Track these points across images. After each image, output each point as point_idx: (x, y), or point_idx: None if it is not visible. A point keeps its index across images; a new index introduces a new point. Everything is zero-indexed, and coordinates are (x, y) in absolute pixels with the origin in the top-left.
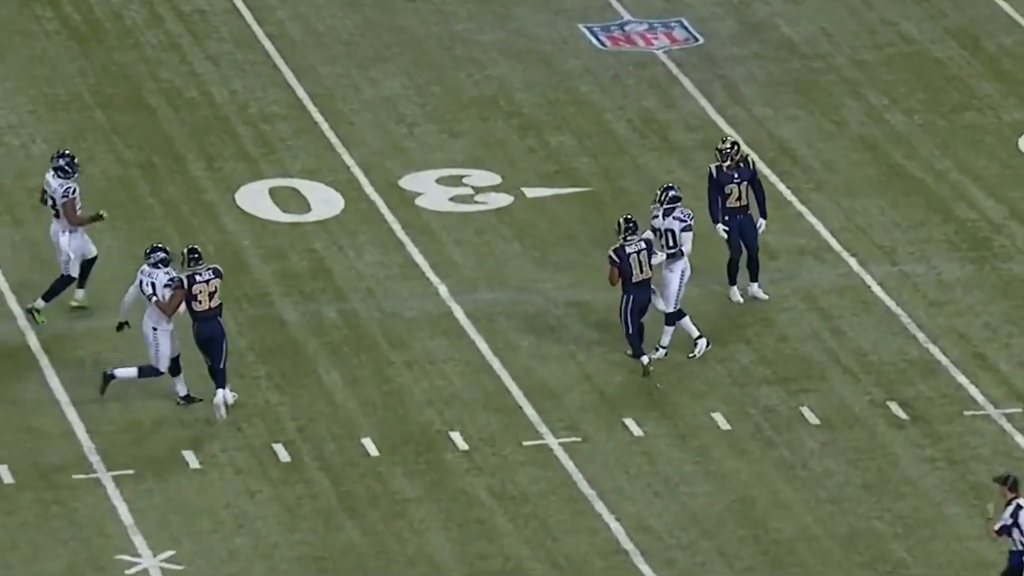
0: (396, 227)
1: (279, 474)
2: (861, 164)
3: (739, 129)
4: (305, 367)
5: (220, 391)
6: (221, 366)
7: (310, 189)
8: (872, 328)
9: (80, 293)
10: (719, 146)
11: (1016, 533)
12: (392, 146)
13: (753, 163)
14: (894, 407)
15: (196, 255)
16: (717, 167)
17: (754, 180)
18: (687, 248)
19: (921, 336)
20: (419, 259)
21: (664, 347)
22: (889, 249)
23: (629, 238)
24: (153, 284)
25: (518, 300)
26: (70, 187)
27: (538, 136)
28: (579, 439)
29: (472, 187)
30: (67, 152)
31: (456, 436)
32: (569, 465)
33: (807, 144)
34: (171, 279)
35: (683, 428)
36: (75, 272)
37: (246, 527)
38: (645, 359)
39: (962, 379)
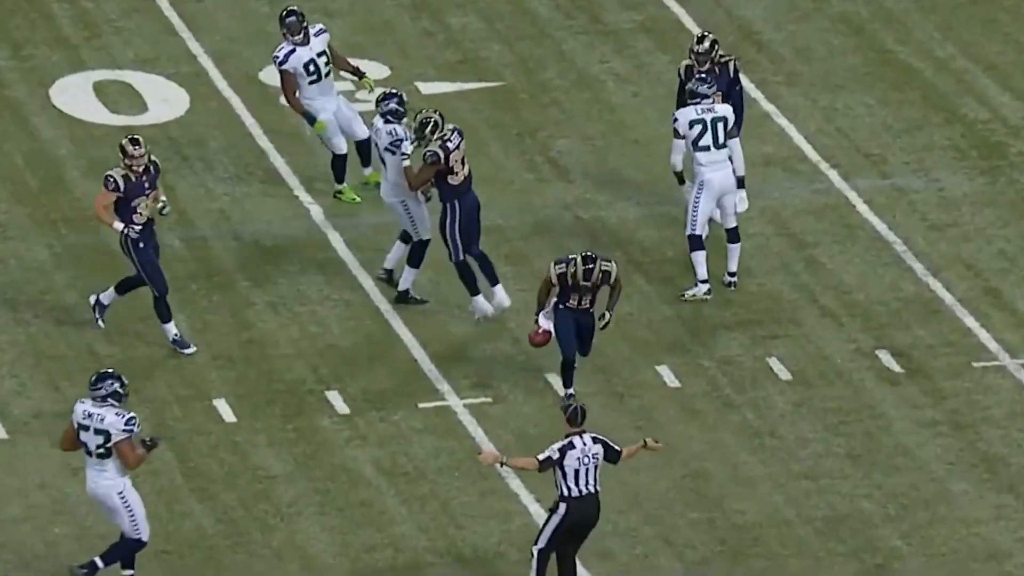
0: (256, 132)
1: None
2: (843, 51)
3: (689, 7)
4: (141, 310)
5: (499, 287)
6: (479, 247)
7: (146, 84)
8: (858, 258)
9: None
10: (693, 47)
11: (559, 474)
12: (251, 30)
13: (736, 69)
14: (885, 357)
15: (438, 115)
16: (687, 68)
17: (733, 91)
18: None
19: (919, 267)
20: (285, 173)
21: (731, 273)
22: (879, 158)
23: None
24: (382, 144)
25: None
26: (277, 57)
27: (435, 17)
28: (489, 400)
29: (353, 81)
30: (293, 8)
31: (334, 397)
32: (477, 433)
33: (775, 26)
34: (431, 152)
35: (620, 385)
36: (340, 148)
37: (66, 514)
38: (568, 391)
39: (970, 321)
